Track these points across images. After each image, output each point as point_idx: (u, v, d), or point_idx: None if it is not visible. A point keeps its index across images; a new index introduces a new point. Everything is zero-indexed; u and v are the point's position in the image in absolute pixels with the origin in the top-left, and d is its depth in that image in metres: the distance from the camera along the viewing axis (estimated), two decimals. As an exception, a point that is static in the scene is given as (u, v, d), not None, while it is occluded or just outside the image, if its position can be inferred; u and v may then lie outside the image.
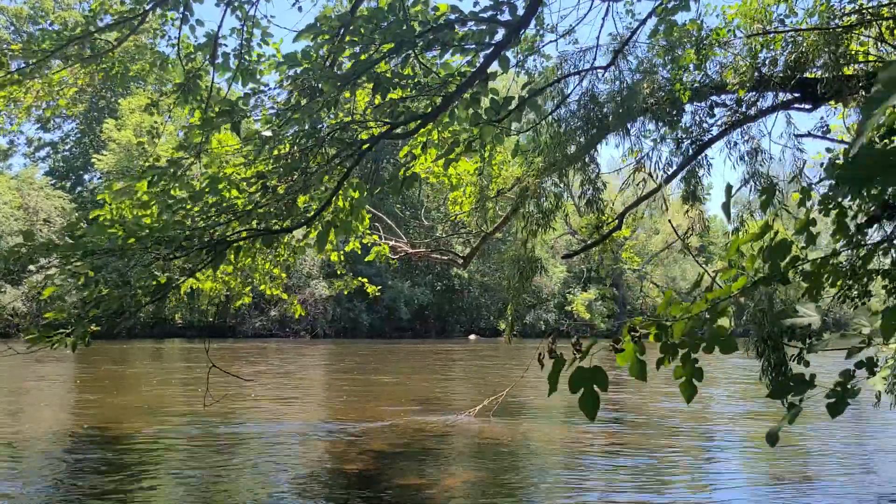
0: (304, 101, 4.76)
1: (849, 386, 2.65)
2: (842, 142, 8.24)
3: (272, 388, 16.77)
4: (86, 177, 55.05)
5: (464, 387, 18.00)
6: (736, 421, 12.40)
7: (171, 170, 4.85)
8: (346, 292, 11.15)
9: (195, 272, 4.80)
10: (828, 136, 8.20)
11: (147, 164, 5.50)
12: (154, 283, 4.37)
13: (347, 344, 41.66)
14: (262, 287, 8.66)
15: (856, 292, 5.38)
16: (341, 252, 10.03)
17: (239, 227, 4.72)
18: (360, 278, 11.07)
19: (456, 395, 15.76)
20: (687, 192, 8.72)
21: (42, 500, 6.68)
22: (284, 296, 10.01)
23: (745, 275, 2.51)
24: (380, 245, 10.00)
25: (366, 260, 10.23)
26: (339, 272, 10.74)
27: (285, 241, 6.74)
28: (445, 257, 13.20)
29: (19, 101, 7.73)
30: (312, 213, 5.09)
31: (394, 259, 11.05)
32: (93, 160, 46.44)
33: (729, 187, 2.65)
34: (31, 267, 4.71)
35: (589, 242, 9.92)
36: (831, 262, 2.60)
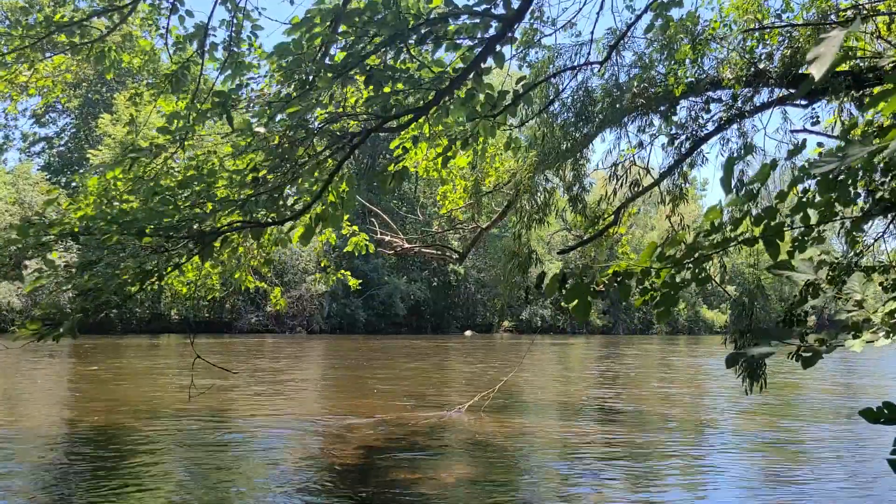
0: (294, 94, 4.72)
1: (829, 343, 2.66)
2: (837, 138, 8.21)
3: (265, 384, 16.74)
4: (81, 172, 54.87)
5: (457, 383, 17.99)
6: (730, 418, 12.41)
7: (153, 152, 4.81)
8: (332, 282, 11.05)
9: (180, 265, 4.76)
10: (823, 132, 8.18)
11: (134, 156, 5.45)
12: (139, 271, 4.33)
13: (343, 340, 41.65)
14: (237, 276, 8.56)
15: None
16: (323, 246, 9.98)
17: (227, 218, 4.67)
18: (343, 271, 10.97)
19: (449, 391, 15.75)
20: (680, 188, 8.71)
21: (36, 496, 6.64)
22: (270, 288, 9.95)
23: (726, 234, 2.53)
24: (357, 235, 9.90)
25: (344, 251, 10.13)
26: (322, 264, 10.67)
27: (268, 235, 6.69)
28: (441, 253, 13.18)
29: (13, 83, 7.69)
30: (302, 205, 5.05)
31: (389, 254, 11.01)
32: (88, 155, 46.29)
33: (730, 160, 2.65)
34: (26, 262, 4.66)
35: (584, 238, 9.89)
36: (817, 229, 2.59)
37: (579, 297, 2.65)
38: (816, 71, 1.72)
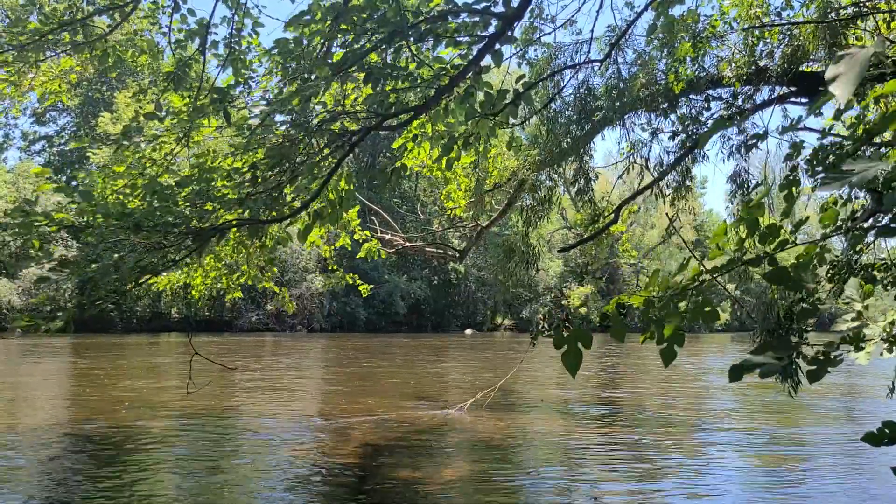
0: (294, 91, 4.71)
1: (832, 356, 2.64)
2: (838, 135, 8.20)
3: (265, 382, 16.74)
4: (82, 171, 54.86)
5: (458, 381, 17.99)
6: (730, 417, 12.42)
7: (136, 134, 4.80)
8: (341, 285, 11.05)
9: (178, 262, 4.76)
10: (824, 129, 8.15)
11: (136, 154, 5.45)
12: (137, 268, 4.33)
13: (343, 338, 41.65)
14: (245, 278, 8.57)
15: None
16: (332, 248, 9.95)
17: (226, 216, 4.67)
18: (352, 275, 10.98)
19: (450, 390, 15.75)
20: (681, 185, 8.71)
21: (35, 494, 6.64)
22: (276, 288, 9.93)
23: (731, 256, 2.48)
24: (370, 241, 9.91)
25: (357, 256, 10.14)
26: (330, 268, 10.64)
27: (270, 231, 6.69)
28: (441, 251, 13.16)
29: (17, 83, 7.68)
30: (300, 203, 5.05)
31: (390, 253, 11.00)
32: (88, 153, 46.29)
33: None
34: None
35: (585, 236, 9.90)
36: (820, 246, 2.57)
37: (571, 347, 2.50)
38: (840, 93, 1.59)
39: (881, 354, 3.86)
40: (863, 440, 2.48)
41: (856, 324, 3.28)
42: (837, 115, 2.54)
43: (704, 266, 2.44)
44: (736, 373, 2.44)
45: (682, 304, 2.47)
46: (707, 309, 2.44)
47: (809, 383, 2.77)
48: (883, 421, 2.42)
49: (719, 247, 2.48)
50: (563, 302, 57.36)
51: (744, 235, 2.48)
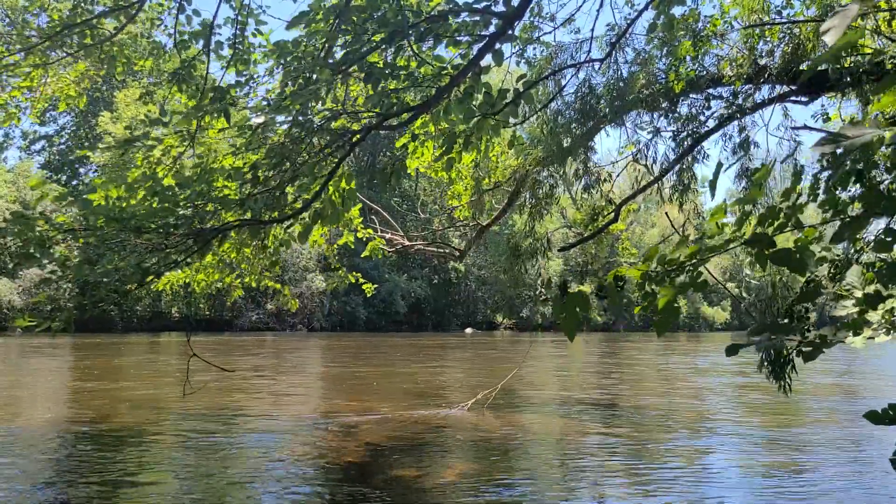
0: (294, 90, 4.72)
1: (829, 339, 2.64)
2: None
3: (266, 382, 16.76)
4: (81, 170, 54.96)
5: (459, 380, 18.00)
6: (731, 416, 12.42)
7: (143, 140, 4.82)
8: (343, 285, 11.09)
9: (180, 263, 4.77)
10: (825, 127, 8.16)
11: (140, 154, 5.46)
12: (139, 270, 4.33)
13: (343, 337, 41.66)
14: (248, 280, 8.60)
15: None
16: (334, 246, 9.96)
17: (227, 216, 4.67)
18: (354, 273, 10.99)
19: (450, 389, 15.76)
20: (681, 184, 8.71)
21: (34, 494, 6.65)
22: (277, 286, 9.94)
23: (728, 237, 2.50)
24: (375, 239, 9.90)
25: (362, 255, 10.15)
26: (333, 266, 10.66)
27: (273, 232, 6.70)
28: (441, 250, 13.16)
29: (35, 89, 7.69)
30: (301, 204, 5.05)
31: (390, 252, 11.00)
32: (88, 153, 46.31)
33: (719, 164, 2.63)
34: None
35: (585, 235, 9.90)
36: (819, 231, 2.58)
37: (569, 312, 2.55)
38: (830, 39, 1.72)
39: (875, 339, 3.86)
40: (865, 416, 2.47)
41: (855, 309, 3.28)
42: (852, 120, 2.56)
43: (702, 247, 2.45)
44: (732, 350, 2.49)
45: (679, 280, 2.51)
46: (700, 280, 2.48)
47: (805, 363, 2.77)
48: (889, 403, 2.41)
49: (718, 225, 2.48)
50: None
51: (740, 213, 2.49)
